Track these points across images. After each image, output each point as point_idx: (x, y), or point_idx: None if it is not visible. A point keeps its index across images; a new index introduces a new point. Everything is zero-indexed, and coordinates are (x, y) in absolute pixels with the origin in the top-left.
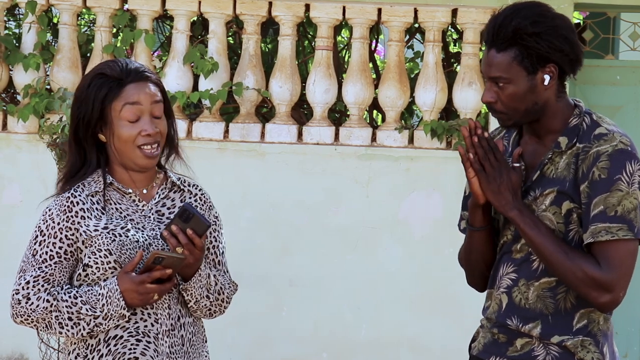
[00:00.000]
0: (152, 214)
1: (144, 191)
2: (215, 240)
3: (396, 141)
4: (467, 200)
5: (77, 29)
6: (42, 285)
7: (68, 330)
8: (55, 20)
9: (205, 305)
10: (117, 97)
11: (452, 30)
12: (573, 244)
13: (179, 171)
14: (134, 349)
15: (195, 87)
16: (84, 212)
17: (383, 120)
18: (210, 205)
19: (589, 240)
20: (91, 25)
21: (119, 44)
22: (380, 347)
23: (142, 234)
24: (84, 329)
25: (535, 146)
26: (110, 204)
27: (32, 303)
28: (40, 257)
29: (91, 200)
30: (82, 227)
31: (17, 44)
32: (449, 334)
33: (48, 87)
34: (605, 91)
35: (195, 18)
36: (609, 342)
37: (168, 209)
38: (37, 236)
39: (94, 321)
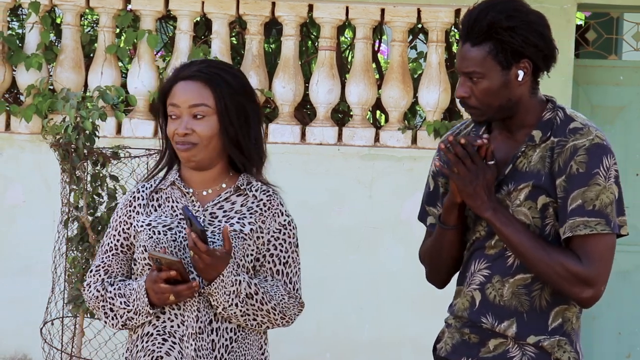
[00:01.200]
0: (206, 216)
1: (204, 193)
2: (275, 249)
3: (399, 141)
4: (431, 195)
5: (80, 29)
6: (101, 275)
7: (109, 321)
8: (58, 21)
9: (236, 313)
10: (169, 94)
11: (455, 30)
12: (549, 239)
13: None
14: (161, 347)
15: None
16: (140, 207)
17: (386, 120)
18: (276, 213)
19: (567, 234)
20: (94, 25)
21: (122, 45)
22: (383, 347)
23: (184, 234)
24: (119, 322)
25: (506, 140)
26: (169, 201)
27: (90, 291)
28: (104, 247)
29: (152, 196)
30: (134, 222)
31: (20, 44)
32: None
33: (51, 87)
34: (609, 91)
35: (198, 18)
36: (579, 340)
37: (225, 211)
38: (108, 227)
39: (127, 315)
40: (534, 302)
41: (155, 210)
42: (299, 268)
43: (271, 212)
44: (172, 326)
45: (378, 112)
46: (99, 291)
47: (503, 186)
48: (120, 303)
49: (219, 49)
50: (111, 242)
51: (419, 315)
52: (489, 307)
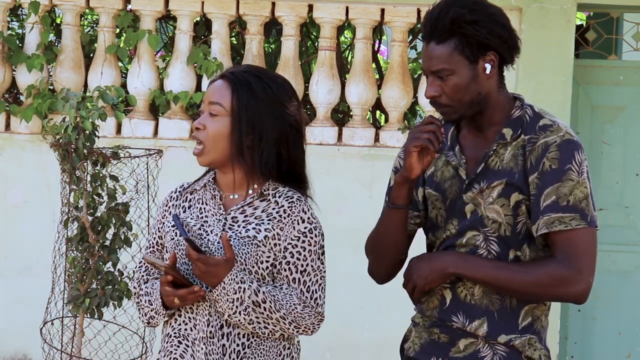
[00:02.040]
0: (228, 219)
1: (231, 197)
2: (292, 257)
3: (399, 141)
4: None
5: (80, 30)
6: (141, 272)
7: (140, 317)
8: (58, 21)
9: (242, 321)
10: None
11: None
12: (520, 236)
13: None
14: (176, 349)
15: (198, 88)
16: (173, 207)
17: (386, 120)
18: (297, 220)
19: (542, 231)
20: (94, 25)
21: (122, 45)
22: (383, 347)
23: (203, 237)
24: (145, 318)
25: (476, 140)
26: (199, 203)
27: (133, 285)
28: (147, 244)
29: (187, 197)
30: (166, 221)
31: (20, 45)
32: None
33: (51, 87)
34: (609, 91)
35: (198, 18)
36: (546, 337)
37: (246, 216)
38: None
39: (150, 313)
40: (504, 301)
41: (185, 211)
42: (322, 277)
43: (291, 219)
44: (185, 329)
45: (378, 112)
46: (135, 288)
47: (474, 185)
48: (146, 301)
49: (219, 49)
50: (151, 240)
51: None
52: (459, 306)
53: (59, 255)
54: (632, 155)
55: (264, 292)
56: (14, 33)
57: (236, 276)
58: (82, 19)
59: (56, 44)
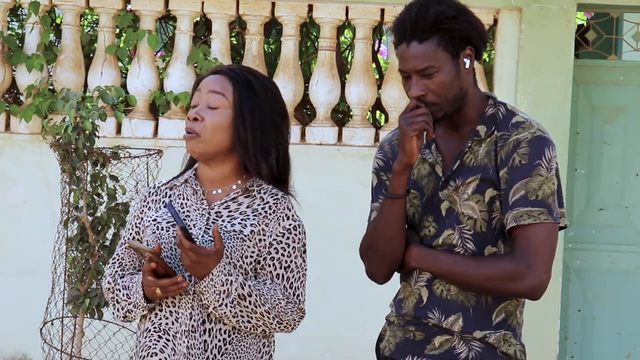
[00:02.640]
0: (211, 215)
1: (214, 192)
2: (277, 252)
3: None
4: (377, 191)
5: (80, 30)
6: (115, 267)
7: (114, 312)
8: (58, 21)
9: (227, 314)
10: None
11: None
12: (496, 232)
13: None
14: (156, 344)
15: None
16: (153, 203)
17: (386, 120)
18: (282, 217)
19: (511, 224)
20: (94, 25)
21: (122, 45)
22: None
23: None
24: (121, 313)
25: (451, 137)
26: (180, 199)
27: (105, 282)
28: (122, 240)
29: (166, 192)
30: (145, 216)
31: (20, 45)
32: None
33: (51, 87)
34: (609, 91)
35: (198, 18)
36: (521, 332)
37: (230, 211)
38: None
39: (127, 307)
40: (479, 298)
41: (165, 206)
42: (304, 274)
43: (276, 215)
44: (166, 323)
45: (378, 112)
46: (109, 283)
47: (450, 182)
48: (124, 295)
49: (219, 49)
50: (126, 236)
51: None
52: (435, 302)
53: (59, 255)
54: (632, 155)
55: (249, 286)
56: (14, 33)
57: (224, 268)
58: (82, 19)
59: (56, 44)
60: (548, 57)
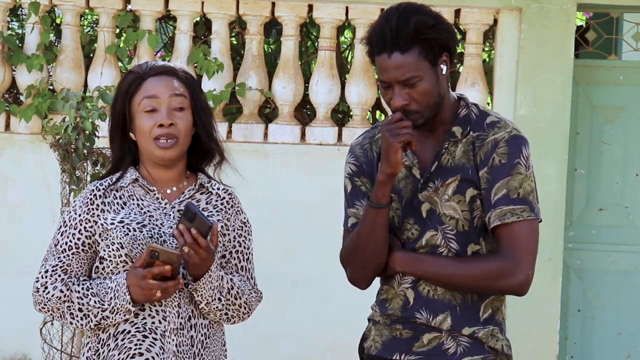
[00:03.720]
0: (174, 212)
1: (168, 191)
2: (240, 245)
3: None
4: (351, 197)
5: (80, 30)
6: (59, 275)
7: (78, 321)
8: (58, 21)
9: (217, 308)
10: (138, 90)
11: (456, 30)
12: (478, 230)
13: (230, 173)
14: (140, 344)
15: None
16: (105, 205)
17: None
18: (238, 210)
19: (496, 223)
20: (94, 25)
21: (122, 45)
22: None
23: (159, 231)
24: (92, 321)
25: (426, 140)
26: (133, 199)
27: (49, 292)
28: (61, 247)
29: (114, 194)
30: (100, 219)
31: (20, 45)
32: None
33: (51, 87)
34: (608, 91)
35: (198, 18)
36: (506, 328)
37: None
38: (60, 226)
39: (102, 314)
40: (465, 296)
41: (122, 208)
42: (253, 263)
43: (234, 209)
44: (153, 322)
45: (378, 112)
46: (62, 291)
47: (429, 183)
48: (95, 302)
49: (219, 49)
50: (70, 242)
51: None
52: (422, 302)
53: None
54: (631, 155)
55: (230, 280)
56: (14, 33)
57: (216, 265)
58: (82, 19)
59: (56, 44)
60: (548, 57)
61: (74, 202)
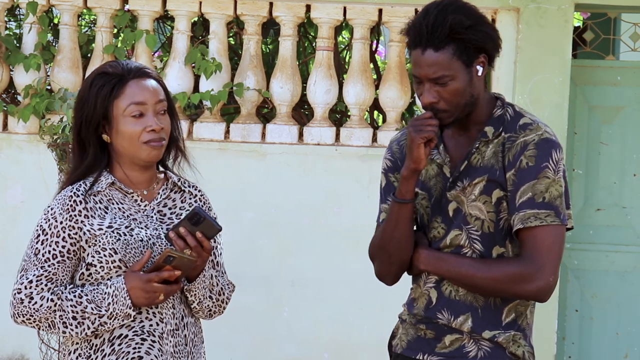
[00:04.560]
0: (155, 214)
1: (144, 192)
2: (215, 242)
3: None
4: (386, 192)
5: (77, 30)
6: (46, 285)
7: (72, 330)
8: (56, 21)
9: (207, 306)
10: (121, 94)
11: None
12: (503, 233)
13: (186, 172)
14: (139, 348)
15: (196, 88)
16: (87, 211)
17: (384, 120)
18: (209, 207)
19: (518, 226)
20: (92, 25)
21: (119, 45)
22: (382, 348)
23: (146, 233)
24: (88, 328)
25: (459, 138)
26: (113, 203)
27: (36, 302)
28: (43, 256)
29: (93, 199)
30: (85, 226)
31: (17, 45)
32: None
33: (49, 87)
34: (607, 92)
35: (196, 18)
36: (532, 334)
37: (170, 209)
38: (39, 235)
39: (99, 320)
40: (488, 298)
41: (106, 212)
42: None
43: (207, 207)
44: (150, 325)
45: (376, 112)
46: (52, 301)
47: (458, 182)
48: (91, 309)
49: (217, 49)
50: (54, 250)
51: None
52: (444, 302)
53: None
54: (629, 156)
55: (215, 277)
56: (11, 33)
57: (207, 264)
58: (80, 19)
59: (54, 44)
60: (546, 57)
61: (51, 210)
